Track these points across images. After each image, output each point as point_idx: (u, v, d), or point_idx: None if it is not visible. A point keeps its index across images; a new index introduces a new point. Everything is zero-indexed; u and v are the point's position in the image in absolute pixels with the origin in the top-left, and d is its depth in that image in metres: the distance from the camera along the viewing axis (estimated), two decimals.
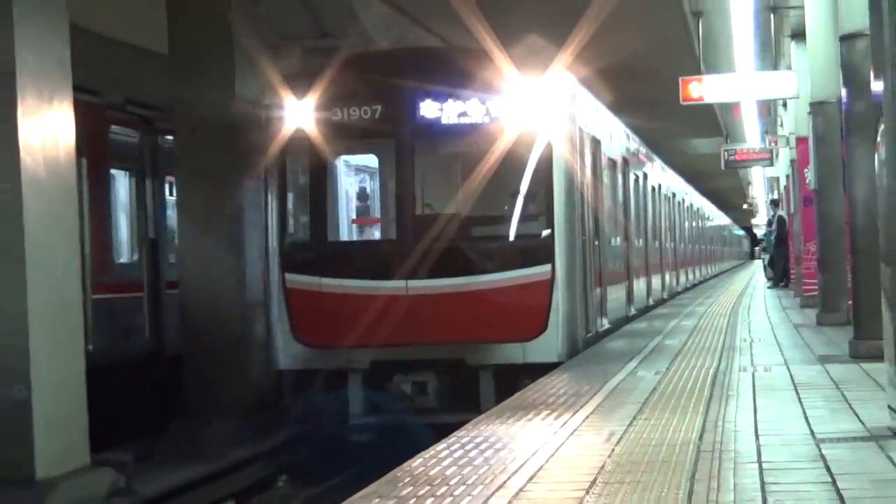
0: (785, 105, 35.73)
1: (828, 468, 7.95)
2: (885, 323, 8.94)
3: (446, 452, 9.26)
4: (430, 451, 9.37)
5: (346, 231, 19.61)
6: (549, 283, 16.50)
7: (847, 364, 14.61)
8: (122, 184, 21.13)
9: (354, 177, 20.64)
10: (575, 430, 10.00)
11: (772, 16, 28.70)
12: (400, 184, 17.08)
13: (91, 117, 18.23)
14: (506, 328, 16.46)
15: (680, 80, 28.09)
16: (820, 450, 8.68)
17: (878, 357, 10.89)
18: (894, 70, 8.52)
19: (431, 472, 8.39)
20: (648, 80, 32.38)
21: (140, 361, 20.36)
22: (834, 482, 7.48)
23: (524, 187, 17.18)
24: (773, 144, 42.65)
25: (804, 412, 10.71)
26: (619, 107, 26.75)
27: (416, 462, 8.88)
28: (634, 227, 27.15)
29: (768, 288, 41.04)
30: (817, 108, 23.72)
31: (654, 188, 32.57)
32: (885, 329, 8.98)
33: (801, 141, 29.69)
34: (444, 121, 16.80)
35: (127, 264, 20.98)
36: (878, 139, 8.84)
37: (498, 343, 16.47)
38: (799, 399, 11.63)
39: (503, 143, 16.36)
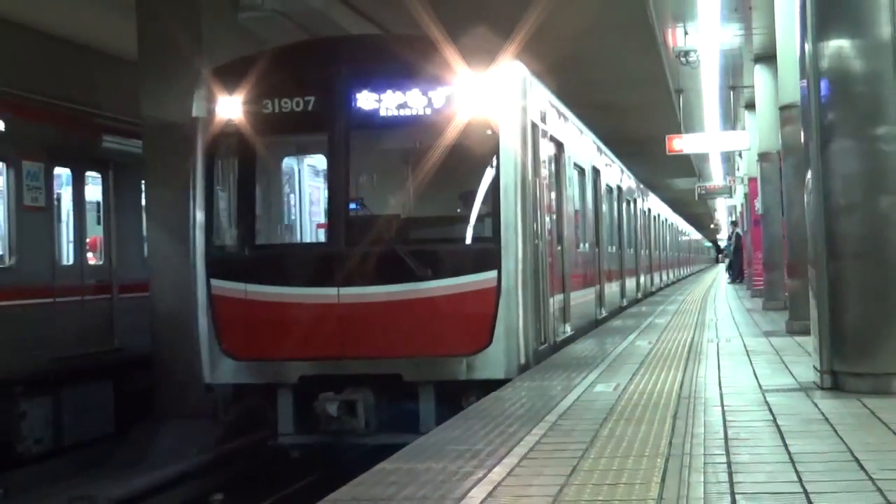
0: (741, 154, 35.55)
1: (770, 410, 7.91)
2: (811, 308, 8.90)
3: (505, 395, 9.25)
4: (494, 395, 9.31)
5: (278, 234, 13.42)
6: (495, 292, 10.91)
7: (784, 337, 14.50)
8: None
9: (322, 180, 13.90)
10: (592, 382, 9.97)
11: (731, 92, 28.63)
12: (332, 182, 11.51)
13: None
14: (446, 341, 10.92)
15: (666, 137, 28.22)
16: (765, 397, 8.64)
17: (806, 332, 10.81)
18: (817, 131, 8.50)
19: (494, 412, 8.36)
20: (644, 138, 32.48)
21: None
22: (775, 420, 7.45)
23: (468, 186, 11.77)
24: (731, 182, 42.64)
25: (754, 370, 10.64)
26: (625, 156, 26.76)
27: (484, 404, 8.83)
28: (607, 233, 20.30)
29: (728, 283, 40.78)
30: (763, 156, 23.87)
31: (629, 202, 25.61)
32: (811, 312, 8.93)
33: (751, 180, 29.52)
34: (381, 113, 11.25)
35: None
36: (807, 179, 8.82)
37: (438, 357, 10.93)
38: (750, 361, 11.55)
39: (445, 138, 11.07)
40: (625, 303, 23.00)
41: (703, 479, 5.53)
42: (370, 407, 10.94)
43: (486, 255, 11.08)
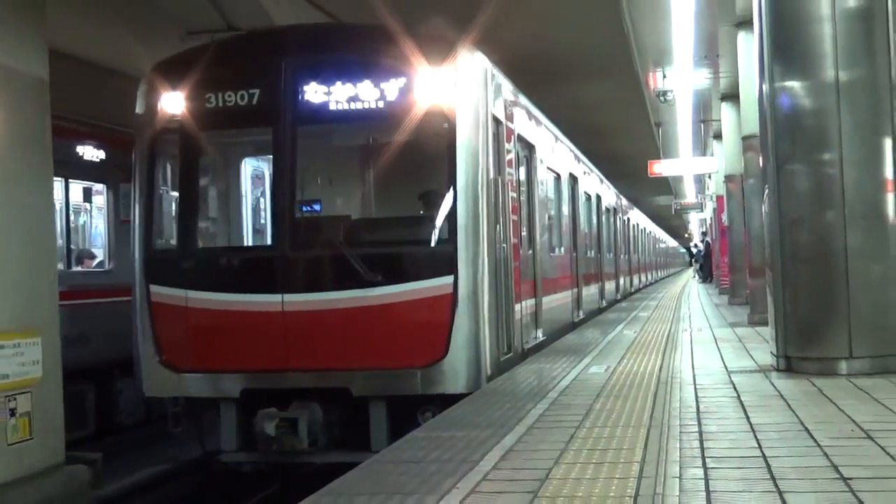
0: (710, 176, 35.50)
1: (735, 388, 7.88)
2: (769, 303, 8.87)
3: (519, 373, 9.21)
4: (505, 375, 9.20)
5: (227, 237, 10.38)
6: (452, 298, 8.36)
7: (746, 327, 14.43)
8: None
9: None
10: (587, 365, 9.94)
11: (702, 125, 28.61)
12: (277, 180, 8.92)
13: None
14: (399, 352, 8.38)
15: (648, 162, 28.16)
16: (730, 377, 8.60)
17: (764, 323, 10.75)
18: (773, 156, 8.48)
19: (506, 390, 8.33)
20: (629, 163, 32.43)
21: None
22: (738, 396, 7.41)
23: (422, 184, 9.35)
24: (702, 199, 42.53)
25: (721, 355, 10.59)
26: (614, 177, 26.73)
27: (497, 383, 8.77)
28: (585, 239, 17.46)
29: (699, 283, 40.64)
30: (728, 178, 23.75)
31: (608, 210, 22.39)
32: (768, 307, 8.91)
33: (719, 197, 29.43)
34: (330, 107, 8.66)
35: None
36: (764, 197, 8.79)
37: (390, 370, 8.38)
38: (717, 348, 11.50)
39: (398, 132, 8.59)
40: (604, 304, 20.17)
41: (678, 445, 5.51)
42: (317, 423, 8.55)
43: (442, 258, 8.49)
